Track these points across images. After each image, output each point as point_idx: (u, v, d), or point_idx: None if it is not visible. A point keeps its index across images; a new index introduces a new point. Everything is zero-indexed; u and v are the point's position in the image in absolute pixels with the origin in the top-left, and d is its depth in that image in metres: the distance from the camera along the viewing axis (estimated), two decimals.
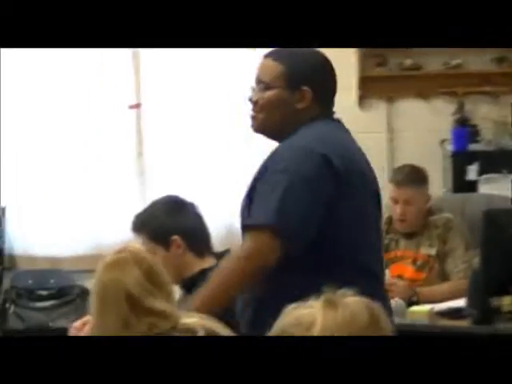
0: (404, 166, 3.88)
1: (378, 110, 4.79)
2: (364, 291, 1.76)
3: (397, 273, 3.62)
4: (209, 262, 2.94)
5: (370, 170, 2.61)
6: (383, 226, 3.61)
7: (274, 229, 2.35)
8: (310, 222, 2.42)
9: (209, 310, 2.30)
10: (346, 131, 2.61)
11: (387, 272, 3.42)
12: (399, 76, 4.72)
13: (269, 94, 2.53)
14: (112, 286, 1.88)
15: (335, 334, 1.24)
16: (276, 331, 1.31)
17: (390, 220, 3.72)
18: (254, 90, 2.58)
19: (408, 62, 4.63)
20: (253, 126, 2.60)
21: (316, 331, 1.24)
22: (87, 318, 2.16)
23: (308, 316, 1.28)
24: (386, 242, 3.65)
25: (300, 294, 2.16)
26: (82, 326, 2.19)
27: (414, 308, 3.36)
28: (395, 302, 3.20)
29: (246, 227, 2.43)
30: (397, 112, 4.78)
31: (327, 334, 1.25)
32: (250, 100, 2.57)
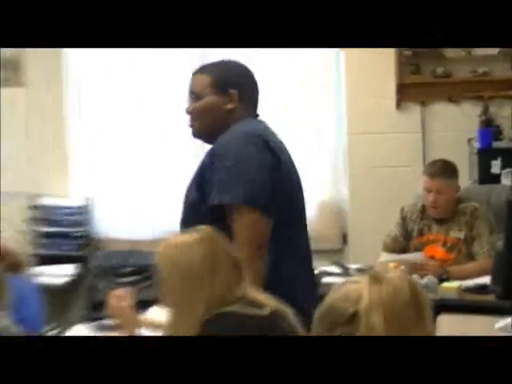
0: (436, 161, 3.96)
1: (414, 113, 4.88)
2: (292, 268, 2.26)
3: (429, 254, 3.71)
4: None
5: (294, 163, 2.67)
6: (418, 214, 3.87)
7: (259, 208, 2.39)
8: (271, 194, 2.45)
9: None
10: (271, 129, 2.69)
11: (422, 253, 3.64)
12: (432, 83, 4.78)
13: (200, 102, 2.62)
14: (220, 253, 1.99)
15: (380, 308, 1.28)
16: (325, 306, 1.37)
17: (423, 208, 3.83)
18: (188, 102, 2.67)
19: (439, 69, 4.68)
20: (192, 133, 2.69)
21: (363, 305, 1.28)
22: (122, 291, 2.36)
23: (355, 291, 1.32)
24: (420, 227, 3.81)
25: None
26: (122, 296, 2.40)
27: (445, 284, 3.41)
28: (428, 279, 3.35)
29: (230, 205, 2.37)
30: (430, 114, 4.87)
31: (373, 307, 1.29)
32: (186, 111, 2.66)
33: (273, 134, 2.61)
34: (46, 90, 5.05)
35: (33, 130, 5.10)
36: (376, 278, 1.35)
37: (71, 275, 4.97)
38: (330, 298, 1.38)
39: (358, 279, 1.37)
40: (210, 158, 2.49)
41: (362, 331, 1.31)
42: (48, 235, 5.00)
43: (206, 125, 2.61)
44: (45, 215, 5.03)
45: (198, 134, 2.65)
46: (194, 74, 2.69)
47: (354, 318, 1.31)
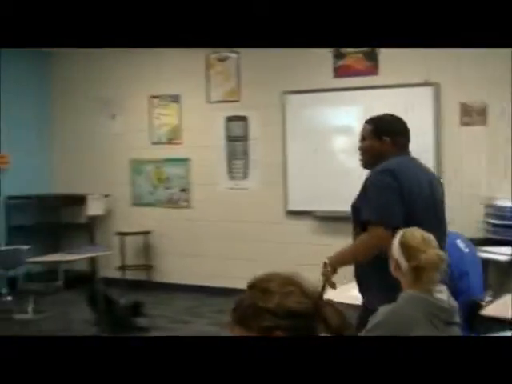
0: None
1: None
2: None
3: None
4: None
5: (431, 189, 3.20)
6: None
7: (384, 224, 2.97)
8: (397, 212, 3.03)
9: (340, 264, 3.16)
10: (416, 161, 3.29)
11: None
12: None
13: (365, 143, 3.30)
14: None
15: None
16: None
17: None
18: (359, 142, 3.33)
19: None
20: (361, 164, 3.36)
21: None
22: None
23: None
24: None
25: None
26: None
27: None
28: None
29: (368, 222, 3.02)
30: None
31: None
32: (359, 149, 3.33)
33: (405, 166, 3.19)
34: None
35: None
36: None
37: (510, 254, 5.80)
38: None
39: None
40: (364, 183, 3.22)
41: None
42: (496, 225, 6.15)
43: (367, 159, 3.33)
44: (495, 211, 6.26)
45: (363, 165, 3.37)
46: (365, 123, 3.36)
47: None
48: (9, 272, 7.00)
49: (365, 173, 6.07)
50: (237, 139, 7.89)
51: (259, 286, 1.80)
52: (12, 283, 7.20)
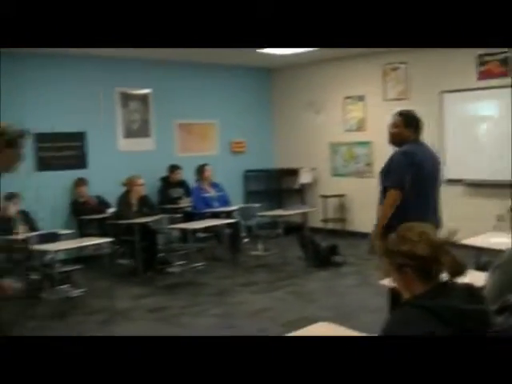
0: None
1: None
2: (425, 213, 4.00)
3: None
4: None
5: (433, 164, 4.08)
6: None
7: (396, 188, 3.91)
8: (405, 181, 3.89)
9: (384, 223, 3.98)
10: (424, 146, 4.12)
11: None
12: None
13: (395, 130, 4.10)
14: None
15: None
16: None
17: None
18: (390, 128, 4.11)
19: None
20: (389, 142, 4.15)
21: None
22: None
23: None
24: None
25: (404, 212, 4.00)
26: None
27: None
28: None
29: (387, 187, 3.90)
30: None
31: None
32: (389, 132, 4.12)
33: (418, 150, 4.04)
34: None
35: None
36: None
37: None
38: None
39: None
40: (391, 157, 4.08)
41: None
42: None
43: (395, 140, 4.16)
44: None
45: (391, 143, 4.20)
46: (395, 115, 4.14)
47: None
48: (246, 222, 8.61)
49: (505, 153, 7.89)
50: None
51: (400, 234, 2.03)
52: (248, 230, 8.70)
